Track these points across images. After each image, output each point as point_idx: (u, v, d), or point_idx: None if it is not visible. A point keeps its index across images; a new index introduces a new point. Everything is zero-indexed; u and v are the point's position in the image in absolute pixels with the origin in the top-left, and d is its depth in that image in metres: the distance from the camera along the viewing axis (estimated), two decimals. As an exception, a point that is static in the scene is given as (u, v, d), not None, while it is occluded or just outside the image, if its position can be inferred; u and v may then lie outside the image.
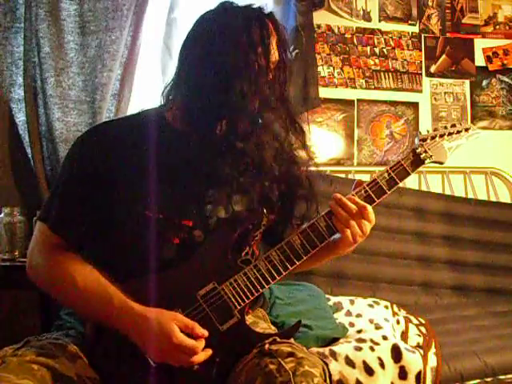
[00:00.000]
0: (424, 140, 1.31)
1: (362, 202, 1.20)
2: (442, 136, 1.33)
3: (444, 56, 2.96)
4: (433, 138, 1.32)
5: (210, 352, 1.11)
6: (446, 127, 1.35)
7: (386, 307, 2.09)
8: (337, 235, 1.23)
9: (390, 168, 1.26)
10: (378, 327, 1.86)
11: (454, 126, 1.35)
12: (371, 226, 1.21)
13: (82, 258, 1.17)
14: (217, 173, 1.15)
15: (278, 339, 1.16)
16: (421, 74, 2.92)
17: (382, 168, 1.29)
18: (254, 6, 1.20)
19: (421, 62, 2.93)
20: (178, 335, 1.06)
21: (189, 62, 1.18)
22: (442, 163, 1.32)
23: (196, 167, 1.16)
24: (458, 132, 1.34)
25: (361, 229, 1.19)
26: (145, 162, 1.16)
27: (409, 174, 1.27)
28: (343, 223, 1.19)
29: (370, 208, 1.20)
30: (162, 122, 1.23)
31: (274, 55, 1.17)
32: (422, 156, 1.28)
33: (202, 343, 1.09)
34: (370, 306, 2.08)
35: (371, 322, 1.91)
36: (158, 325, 1.07)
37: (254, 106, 1.15)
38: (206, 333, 1.10)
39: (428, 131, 1.34)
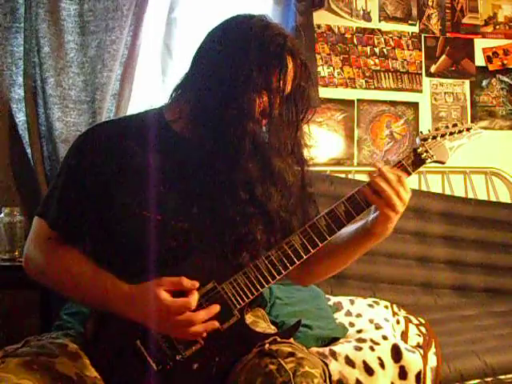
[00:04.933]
0: (425, 140, 1.29)
1: (397, 171, 1.19)
2: (443, 136, 1.30)
3: (444, 56, 2.95)
4: (434, 137, 1.29)
5: (215, 324, 1.11)
6: (447, 126, 1.32)
7: (386, 307, 2.09)
8: (371, 216, 1.20)
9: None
10: (378, 327, 1.86)
11: (455, 125, 1.33)
12: (408, 197, 1.18)
13: (76, 249, 1.19)
14: (214, 179, 1.15)
15: (278, 339, 1.16)
16: (421, 73, 2.92)
17: (382, 168, 1.27)
18: (279, 33, 1.16)
19: (421, 61, 2.93)
20: (164, 297, 1.07)
21: (202, 68, 1.17)
22: (443, 163, 1.30)
23: (193, 171, 1.16)
24: (460, 132, 1.32)
25: (400, 198, 1.16)
26: (141, 163, 1.17)
27: (410, 174, 1.24)
28: (382, 194, 1.15)
29: (405, 176, 1.19)
30: (161, 123, 1.23)
31: (287, 86, 1.16)
32: (422, 156, 1.26)
33: (194, 296, 1.08)
34: (370, 305, 2.08)
35: (371, 321, 1.91)
36: (146, 296, 1.08)
37: (254, 125, 1.14)
38: (195, 283, 1.10)
39: (429, 131, 1.32)
